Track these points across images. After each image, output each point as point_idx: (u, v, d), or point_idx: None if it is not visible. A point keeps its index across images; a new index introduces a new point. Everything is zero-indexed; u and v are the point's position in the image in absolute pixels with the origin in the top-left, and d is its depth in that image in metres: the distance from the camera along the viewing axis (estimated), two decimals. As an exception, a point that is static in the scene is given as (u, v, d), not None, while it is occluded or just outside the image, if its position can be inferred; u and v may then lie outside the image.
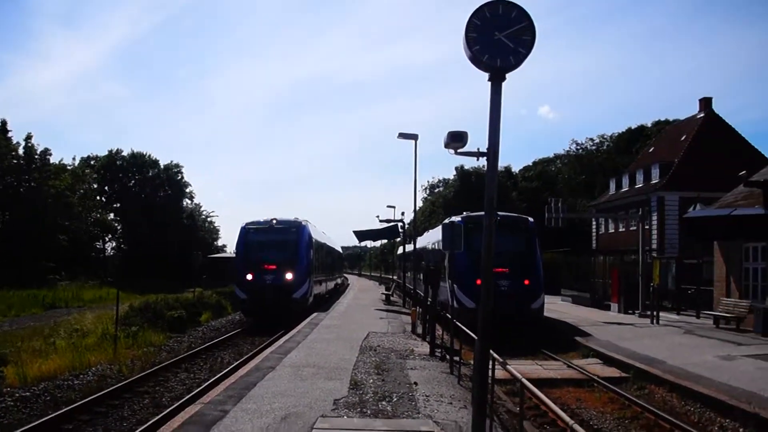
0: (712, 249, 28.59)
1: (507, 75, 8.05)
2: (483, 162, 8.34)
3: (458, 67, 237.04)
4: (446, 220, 26.08)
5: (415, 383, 13.46)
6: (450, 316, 17.30)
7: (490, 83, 8.04)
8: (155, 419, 12.31)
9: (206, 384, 15.70)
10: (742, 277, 25.86)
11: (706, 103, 55.69)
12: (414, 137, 27.49)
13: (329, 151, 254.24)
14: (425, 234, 46.28)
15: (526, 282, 24.80)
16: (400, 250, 60.24)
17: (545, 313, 26.49)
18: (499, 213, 24.13)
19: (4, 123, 64.04)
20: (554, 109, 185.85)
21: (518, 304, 23.48)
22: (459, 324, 15.47)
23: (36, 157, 62.92)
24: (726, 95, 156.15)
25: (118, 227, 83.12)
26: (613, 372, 17.84)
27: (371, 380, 13.68)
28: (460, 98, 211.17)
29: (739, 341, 21.12)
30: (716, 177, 39.80)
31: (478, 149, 8.44)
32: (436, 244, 33.88)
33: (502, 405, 12.80)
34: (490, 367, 9.54)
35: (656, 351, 19.10)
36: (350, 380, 13.51)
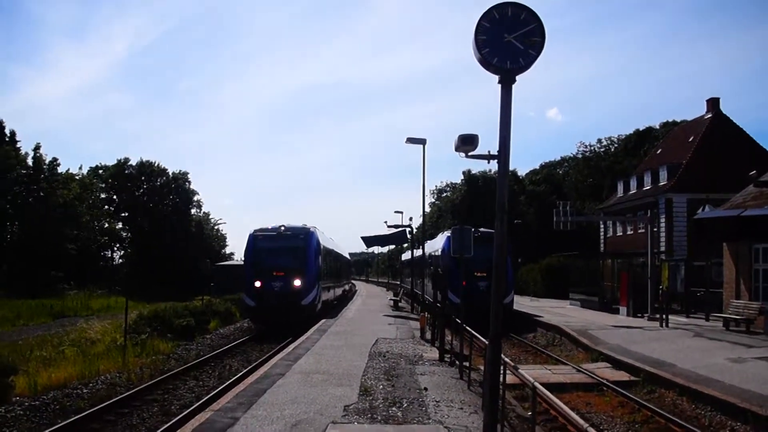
0: (721, 251, 28.47)
1: (517, 77, 8.03)
2: (490, 166, 8.37)
3: (466, 71, 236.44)
4: (455, 227, 26.56)
5: (425, 389, 13.42)
6: (459, 321, 17.33)
7: (500, 86, 8.01)
8: (165, 427, 12.32)
9: (216, 391, 15.69)
10: (752, 278, 25.73)
11: (713, 103, 55.48)
12: (422, 142, 27.34)
13: (337, 158, 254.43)
14: (431, 240, 46.29)
15: None
16: (406, 255, 60.25)
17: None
18: (480, 229, 27.22)
19: (13, 134, 64.52)
20: (562, 111, 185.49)
21: None
22: (468, 328, 15.46)
23: (44, 167, 63.27)
24: (733, 95, 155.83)
25: (126, 236, 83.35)
26: (623, 376, 17.76)
27: (381, 386, 13.64)
28: (468, 102, 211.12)
29: (750, 343, 21.00)
30: (725, 178, 39.69)
31: (489, 152, 8.40)
32: (439, 251, 33.95)
33: (512, 410, 12.73)
34: (501, 372, 9.50)
35: (666, 354, 19.00)
36: (360, 386, 13.48)
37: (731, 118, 55.26)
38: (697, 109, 65.30)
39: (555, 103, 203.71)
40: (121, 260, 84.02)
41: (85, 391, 16.46)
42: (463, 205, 78.24)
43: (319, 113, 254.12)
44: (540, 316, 32.62)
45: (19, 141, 64.42)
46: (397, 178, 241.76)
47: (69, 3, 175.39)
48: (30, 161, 63.13)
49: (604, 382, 16.84)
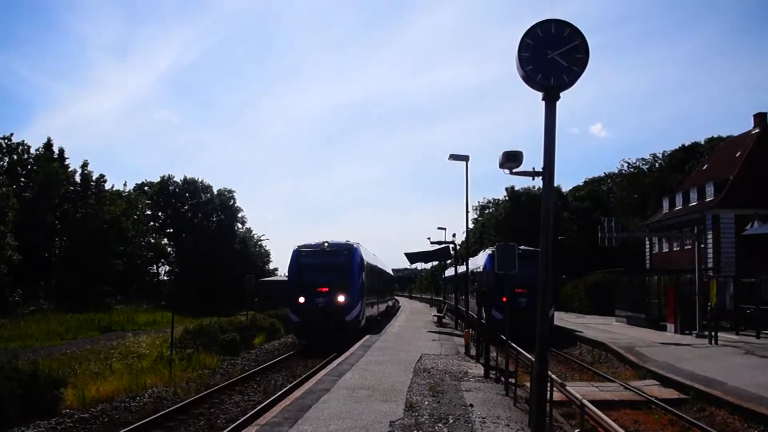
0: (771, 267, 27.97)
1: (561, 94, 8.01)
2: (534, 182, 8.34)
3: (509, 87, 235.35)
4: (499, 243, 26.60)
5: (471, 405, 13.35)
6: (503, 337, 17.26)
7: (543, 102, 8.01)
8: (212, 441, 12.41)
9: (261, 406, 15.74)
10: (804, 295, 25.22)
11: (760, 118, 54.45)
12: (465, 158, 27.35)
13: (380, 174, 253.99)
14: (473, 257, 46.06)
15: None
16: (450, 271, 60.08)
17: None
18: (521, 247, 25.94)
19: (62, 151, 65.97)
20: (606, 127, 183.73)
21: (533, 315, 25.60)
22: (513, 344, 15.37)
23: (92, 183, 64.54)
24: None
25: (172, 251, 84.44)
26: (672, 393, 17.50)
27: (426, 402, 13.61)
28: (512, 117, 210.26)
29: (803, 362, 20.57)
30: (773, 193, 38.96)
31: (533, 169, 8.39)
32: (480, 267, 33.89)
33: (559, 427, 12.61)
34: (548, 389, 9.43)
35: (716, 372, 18.69)
36: (405, 402, 13.46)
37: (779, 132, 54.29)
38: (744, 125, 64.06)
39: (599, 118, 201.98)
40: (166, 276, 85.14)
41: (132, 404, 16.69)
42: (506, 222, 77.89)
43: (362, 129, 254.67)
44: (581, 332, 32.45)
45: (67, 158, 66.01)
46: (439, 194, 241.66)
47: (113, 21, 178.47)
48: (78, 178, 64.53)
49: (653, 399, 16.60)
